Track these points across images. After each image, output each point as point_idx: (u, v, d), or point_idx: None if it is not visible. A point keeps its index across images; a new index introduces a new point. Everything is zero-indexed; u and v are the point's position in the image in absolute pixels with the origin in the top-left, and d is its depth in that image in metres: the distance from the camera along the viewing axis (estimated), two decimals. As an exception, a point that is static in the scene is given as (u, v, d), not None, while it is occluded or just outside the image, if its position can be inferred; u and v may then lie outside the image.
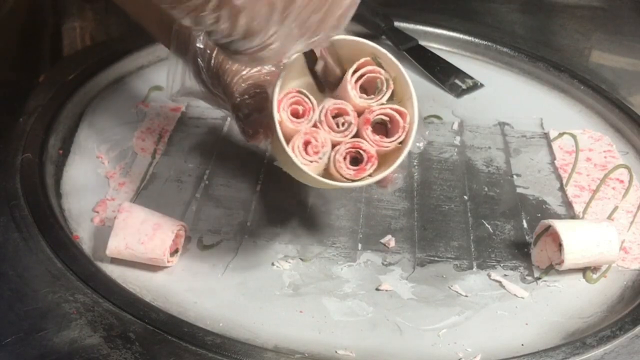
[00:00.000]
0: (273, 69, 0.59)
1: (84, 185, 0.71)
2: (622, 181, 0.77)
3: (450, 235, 0.69)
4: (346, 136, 0.55)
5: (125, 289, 0.58)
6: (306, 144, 0.54)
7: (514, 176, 0.78)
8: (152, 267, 0.62)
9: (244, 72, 0.58)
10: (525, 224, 0.71)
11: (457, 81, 0.94)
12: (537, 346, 0.57)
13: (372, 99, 0.55)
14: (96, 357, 0.51)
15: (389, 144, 0.55)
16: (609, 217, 0.72)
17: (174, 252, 0.62)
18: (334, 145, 0.55)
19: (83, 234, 0.65)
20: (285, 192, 0.72)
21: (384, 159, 0.56)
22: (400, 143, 0.55)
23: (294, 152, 0.53)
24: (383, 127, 0.56)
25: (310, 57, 0.54)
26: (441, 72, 0.95)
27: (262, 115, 0.57)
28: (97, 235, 0.64)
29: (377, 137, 0.55)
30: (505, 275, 0.65)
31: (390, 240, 0.67)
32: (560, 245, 0.64)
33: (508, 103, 0.91)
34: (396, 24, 1.01)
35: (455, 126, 0.85)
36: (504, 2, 1.16)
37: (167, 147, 0.77)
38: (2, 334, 0.52)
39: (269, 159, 0.76)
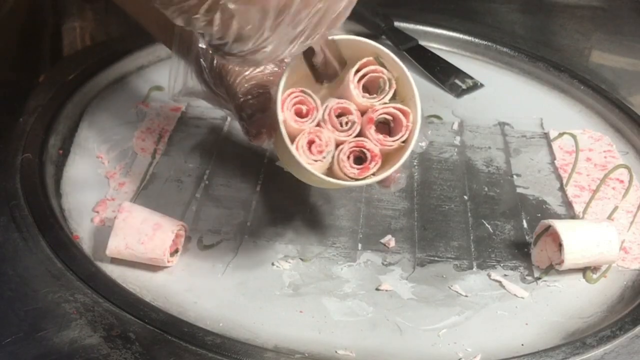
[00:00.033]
0: (276, 69, 0.59)
1: (84, 185, 0.71)
2: (622, 181, 0.77)
3: (450, 235, 0.69)
4: (350, 135, 0.55)
5: (125, 289, 0.58)
6: (310, 143, 0.54)
7: (514, 176, 0.78)
8: (152, 267, 0.62)
9: (247, 73, 0.58)
10: (525, 224, 0.71)
11: (457, 81, 0.94)
12: (537, 346, 0.57)
13: (374, 98, 0.55)
14: (96, 357, 0.51)
15: (392, 142, 0.55)
16: (609, 217, 0.72)
17: (174, 252, 0.62)
18: (337, 145, 0.55)
19: (83, 234, 0.65)
20: (285, 192, 0.72)
21: (387, 158, 0.56)
22: (403, 142, 0.55)
23: (298, 152, 0.54)
24: (386, 127, 0.56)
25: (308, 49, 0.54)
26: (441, 72, 0.95)
27: (266, 115, 0.56)
28: (97, 235, 0.64)
29: (380, 136, 0.55)
30: (505, 275, 0.65)
31: (390, 240, 0.67)
32: (560, 245, 0.64)
33: (508, 103, 0.91)
34: (396, 24, 1.01)
35: (455, 126, 0.85)
36: (504, 2, 1.16)
37: (167, 147, 0.77)
38: (2, 334, 0.52)
39: (269, 159, 0.76)
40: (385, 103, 0.55)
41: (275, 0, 0.42)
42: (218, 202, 0.71)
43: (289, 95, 0.54)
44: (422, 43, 0.99)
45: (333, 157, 0.55)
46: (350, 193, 0.73)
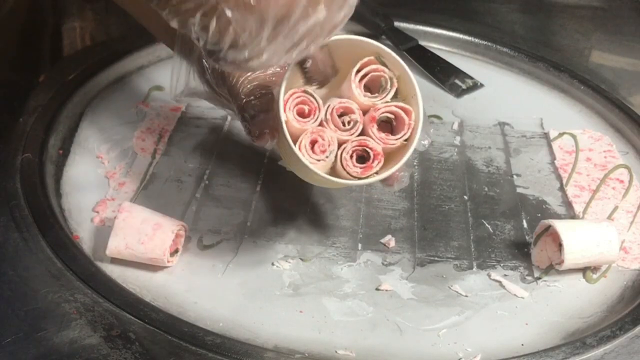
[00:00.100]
0: (278, 69, 0.59)
1: (84, 185, 0.71)
2: (622, 181, 0.77)
3: (450, 235, 0.69)
4: (352, 134, 0.55)
5: (125, 289, 0.58)
6: (313, 143, 0.54)
7: (514, 176, 0.78)
8: (152, 267, 0.62)
9: (249, 74, 0.58)
10: (525, 224, 0.71)
11: (457, 81, 0.94)
12: (537, 346, 0.57)
13: (376, 97, 0.55)
14: (96, 357, 0.51)
15: (394, 141, 0.55)
16: (609, 217, 0.72)
17: (174, 252, 0.62)
18: (340, 144, 0.55)
19: (83, 234, 0.65)
20: (285, 192, 0.72)
21: (390, 157, 0.56)
22: (405, 140, 0.55)
23: (301, 152, 0.54)
24: (388, 126, 0.57)
25: None
26: (441, 72, 0.95)
27: (268, 116, 0.57)
28: (97, 235, 0.64)
29: (382, 135, 0.55)
30: (505, 275, 0.65)
31: (390, 240, 0.67)
32: (560, 245, 0.64)
33: (508, 103, 0.91)
34: (396, 24, 1.01)
35: (455, 126, 0.85)
36: (504, 2, 1.16)
37: (167, 147, 0.77)
38: (2, 334, 0.52)
39: (269, 159, 0.76)
40: (387, 102, 0.55)
41: (274, 11, 0.41)
42: (218, 202, 0.71)
43: (291, 95, 0.54)
44: (422, 43, 0.99)
45: (336, 157, 0.55)
46: (350, 193, 0.73)
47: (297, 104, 0.54)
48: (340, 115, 0.55)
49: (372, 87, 0.56)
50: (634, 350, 0.56)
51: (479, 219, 0.71)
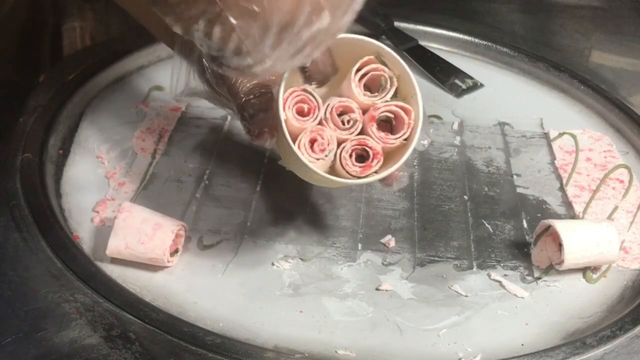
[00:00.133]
0: None
1: (84, 186, 0.71)
2: (622, 181, 0.77)
3: (450, 235, 0.69)
4: (352, 133, 0.55)
5: (125, 289, 0.58)
6: (312, 142, 0.54)
7: (514, 176, 0.78)
8: (152, 267, 0.62)
9: None
10: (525, 224, 0.71)
11: (457, 81, 0.94)
12: (537, 346, 0.57)
13: (376, 96, 0.55)
14: (96, 357, 0.51)
15: (394, 140, 0.55)
16: (609, 217, 0.72)
17: (174, 252, 0.62)
18: (339, 143, 0.55)
19: (83, 234, 0.65)
20: (285, 192, 0.72)
21: (389, 156, 0.56)
22: (405, 140, 0.55)
23: (301, 150, 0.54)
24: (388, 125, 0.57)
25: None
26: (441, 72, 0.95)
27: (268, 114, 0.57)
28: (97, 235, 0.64)
29: (382, 134, 0.55)
30: (505, 275, 0.65)
31: (390, 240, 0.67)
32: (560, 245, 0.64)
33: (508, 103, 0.91)
34: (396, 24, 1.01)
35: (455, 126, 0.85)
36: (504, 2, 1.16)
37: (167, 147, 0.77)
38: (2, 334, 0.52)
39: (269, 159, 0.76)
40: (387, 101, 0.55)
41: (278, 18, 0.41)
42: (218, 202, 0.71)
43: (290, 94, 0.54)
44: (422, 43, 0.99)
45: (335, 156, 0.55)
46: (350, 193, 0.73)
47: (296, 103, 0.54)
48: (339, 114, 0.55)
49: (372, 86, 0.56)
50: (634, 350, 0.56)
51: (479, 219, 0.71)
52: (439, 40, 1.02)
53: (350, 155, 0.55)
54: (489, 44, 1.00)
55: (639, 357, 0.56)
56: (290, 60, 0.45)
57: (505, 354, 0.56)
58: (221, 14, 0.41)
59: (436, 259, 0.66)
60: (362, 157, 0.55)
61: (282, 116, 0.53)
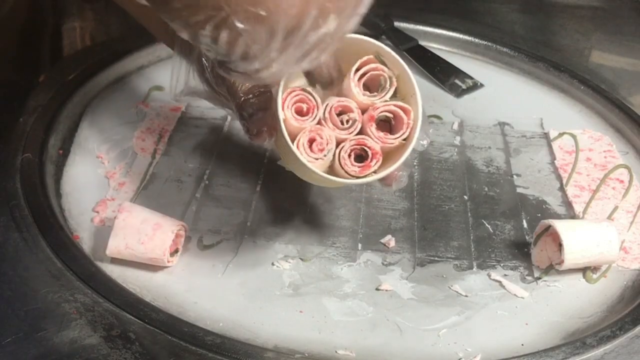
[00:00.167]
0: None
1: (84, 185, 0.71)
2: (622, 181, 0.77)
3: (450, 235, 0.69)
4: (350, 133, 0.55)
5: (125, 289, 0.58)
6: (311, 141, 0.54)
7: (514, 176, 0.78)
8: (152, 267, 0.62)
9: None
10: (525, 224, 0.71)
11: (457, 81, 0.94)
12: (537, 346, 0.57)
13: (375, 96, 0.55)
14: (96, 357, 0.51)
15: (393, 140, 0.55)
16: (609, 217, 0.72)
17: (174, 252, 0.62)
18: (338, 143, 0.55)
19: (83, 234, 0.65)
20: (285, 192, 0.72)
21: (388, 156, 0.56)
22: (404, 140, 0.55)
23: (299, 150, 0.54)
24: (387, 125, 0.57)
25: None
26: (441, 72, 0.95)
27: (267, 114, 0.57)
28: (97, 235, 0.64)
29: (381, 134, 0.55)
30: (505, 275, 0.65)
31: (390, 240, 0.67)
32: (560, 245, 0.64)
33: (508, 103, 0.91)
34: (396, 24, 1.01)
35: (455, 126, 0.85)
36: (504, 2, 1.16)
37: (167, 147, 0.77)
38: (2, 334, 0.52)
39: (269, 159, 0.76)
40: (386, 101, 0.55)
41: (285, 22, 0.41)
42: (218, 202, 0.71)
43: (289, 93, 0.54)
44: (422, 43, 0.99)
45: (334, 155, 0.55)
46: (350, 193, 0.73)
47: (295, 102, 0.54)
48: (338, 114, 0.55)
49: (372, 86, 0.56)
50: (634, 350, 0.56)
51: (479, 219, 0.71)
52: (439, 40, 1.02)
53: (349, 155, 0.55)
54: (489, 44, 1.00)
55: (639, 357, 0.56)
56: (297, 64, 0.45)
57: (505, 354, 0.56)
58: (227, 19, 0.41)
59: (436, 259, 0.66)
60: (361, 157, 0.55)
61: (281, 115, 0.53)
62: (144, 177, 0.73)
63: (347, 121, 0.55)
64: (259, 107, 0.57)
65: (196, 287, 0.61)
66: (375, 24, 1.00)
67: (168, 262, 0.61)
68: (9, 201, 0.64)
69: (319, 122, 0.55)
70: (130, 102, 0.84)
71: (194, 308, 0.59)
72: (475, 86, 0.93)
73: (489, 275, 0.65)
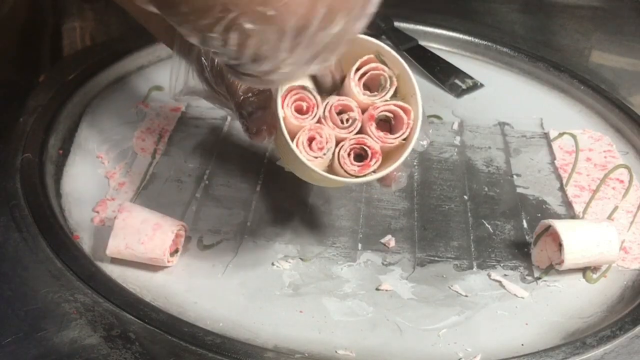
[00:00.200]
0: None
1: (84, 185, 0.71)
2: (622, 181, 0.77)
3: (450, 235, 0.69)
4: (350, 132, 0.55)
5: (125, 289, 0.58)
6: (310, 140, 0.54)
7: (514, 176, 0.78)
8: (152, 267, 0.62)
9: None
10: (525, 224, 0.71)
11: (457, 81, 0.94)
12: (537, 346, 0.57)
13: (375, 95, 0.55)
14: (96, 357, 0.51)
15: (393, 140, 0.55)
16: (609, 217, 0.72)
17: (174, 252, 0.62)
18: (338, 142, 0.55)
19: (83, 234, 0.65)
20: (285, 192, 0.72)
21: (388, 156, 0.56)
22: (404, 140, 0.55)
23: (299, 148, 0.54)
24: (387, 124, 0.57)
25: None
26: (441, 72, 0.95)
27: (266, 112, 0.57)
28: (97, 235, 0.64)
29: (381, 134, 0.55)
30: (505, 275, 0.65)
31: (390, 240, 0.67)
32: (560, 245, 0.64)
33: (508, 103, 0.91)
34: (396, 24, 1.01)
35: (455, 126, 0.85)
36: (504, 2, 1.16)
37: (167, 147, 0.77)
38: (2, 334, 0.52)
39: (269, 159, 0.76)
40: (386, 100, 0.55)
41: (293, 21, 0.41)
42: (218, 202, 0.71)
43: (289, 92, 0.54)
44: (422, 43, 0.99)
45: (333, 154, 0.55)
46: (350, 193, 0.73)
47: (295, 101, 0.54)
48: (338, 113, 0.55)
49: (372, 85, 0.56)
50: (634, 350, 0.56)
51: (479, 219, 0.71)
52: (439, 40, 1.01)
53: (349, 154, 0.55)
54: (489, 44, 1.00)
55: (639, 357, 0.56)
56: (307, 65, 0.45)
57: (505, 354, 0.56)
58: (236, 20, 0.41)
59: (436, 259, 0.66)
60: (360, 156, 0.55)
61: (281, 114, 0.53)
62: (144, 177, 0.73)
63: (347, 120, 0.55)
64: (258, 106, 0.57)
65: (196, 287, 0.61)
66: (375, 24, 1.00)
67: (168, 262, 0.61)
68: (9, 201, 0.64)
69: (318, 121, 0.55)
70: (130, 102, 0.84)
71: (194, 308, 0.59)
72: (475, 86, 0.93)
73: (489, 275, 0.65)
